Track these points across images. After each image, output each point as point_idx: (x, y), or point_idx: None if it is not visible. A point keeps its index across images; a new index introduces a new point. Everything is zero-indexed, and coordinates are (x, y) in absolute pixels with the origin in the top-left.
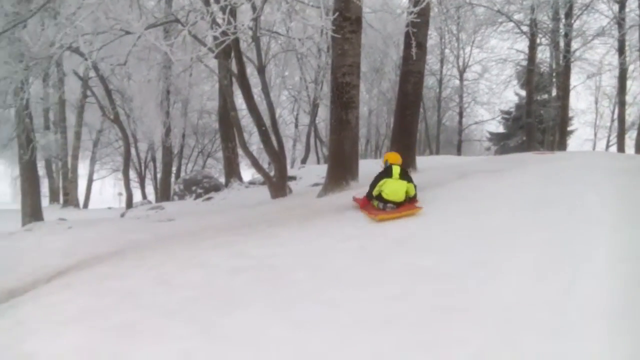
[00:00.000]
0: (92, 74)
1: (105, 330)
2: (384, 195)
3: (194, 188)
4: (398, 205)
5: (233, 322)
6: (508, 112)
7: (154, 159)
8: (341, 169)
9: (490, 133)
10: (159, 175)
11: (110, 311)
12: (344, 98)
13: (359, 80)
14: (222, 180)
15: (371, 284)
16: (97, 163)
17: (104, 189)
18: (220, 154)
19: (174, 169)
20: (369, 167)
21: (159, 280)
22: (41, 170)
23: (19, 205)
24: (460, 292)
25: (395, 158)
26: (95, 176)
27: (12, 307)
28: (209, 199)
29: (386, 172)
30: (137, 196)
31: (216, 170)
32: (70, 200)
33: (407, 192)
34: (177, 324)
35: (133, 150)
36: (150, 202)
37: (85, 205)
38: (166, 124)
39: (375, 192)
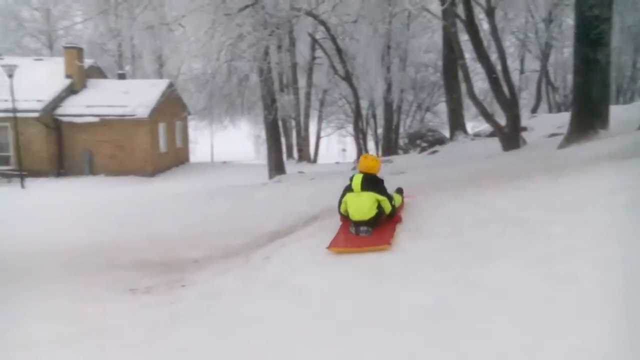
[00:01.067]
0: (318, 36)
1: (359, 271)
2: (350, 216)
3: (418, 141)
4: (373, 224)
5: (485, 272)
6: None
7: (374, 115)
8: (588, 116)
9: None
10: (378, 131)
11: (363, 254)
12: (591, 35)
13: (610, 12)
14: (446, 133)
15: None
16: (323, 121)
17: (330, 145)
18: (438, 108)
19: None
20: (617, 115)
21: (404, 227)
22: None
23: (261, 161)
24: None
25: (362, 164)
26: (322, 133)
27: (282, 246)
28: (434, 152)
29: (348, 185)
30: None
31: (434, 124)
32: (304, 155)
33: (382, 206)
34: (428, 270)
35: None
36: None
37: (314, 160)
38: (387, 80)
39: (342, 211)
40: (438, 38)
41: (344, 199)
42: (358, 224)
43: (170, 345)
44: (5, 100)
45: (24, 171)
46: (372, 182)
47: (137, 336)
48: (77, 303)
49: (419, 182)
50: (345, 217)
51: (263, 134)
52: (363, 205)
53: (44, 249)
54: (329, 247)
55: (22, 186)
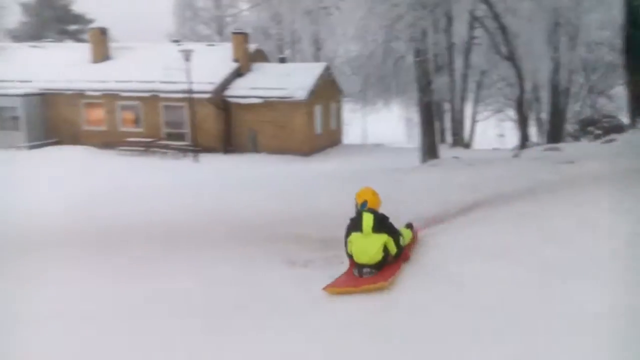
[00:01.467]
0: (478, 14)
1: (528, 267)
2: (355, 258)
3: (590, 128)
4: (379, 267)
5: None
6: None
7: (537, 99)
8: None
9: None
10: (541, 116)
11: (530, 249)
12: None
13: None
14: (624, 120)
15: None
16: (480, 105)
17: (487, 130)
18: (614, 91)
19: None
20: None
21: (581, 222)
22: None
23: (412, 144)
24: None
25: (369, 198)
26: (478, 117)
27: (439, 232)
28: (610, 140)
29: (354, 222)
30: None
31: (608, 109)
32: (458, 140)
33: (387, 247)
34: (610, 272)
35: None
36: (535, 144)
37: (469, 145)
38: (554, 60)
39: (349, 251)
40: (616, 12)
41: (349, 239)
42: (361, 266)
43: (328, 319)
44: (182, 83)
45: (197, 147)
46: (382, 223)
47: (298, 305)
48: (242, 271)
49: (593, 172)
50: (350, 258)
51: (415, 117)
52: (370, 248)
53: (211, 219)
54: (324, 288)
55: (196, 160)
